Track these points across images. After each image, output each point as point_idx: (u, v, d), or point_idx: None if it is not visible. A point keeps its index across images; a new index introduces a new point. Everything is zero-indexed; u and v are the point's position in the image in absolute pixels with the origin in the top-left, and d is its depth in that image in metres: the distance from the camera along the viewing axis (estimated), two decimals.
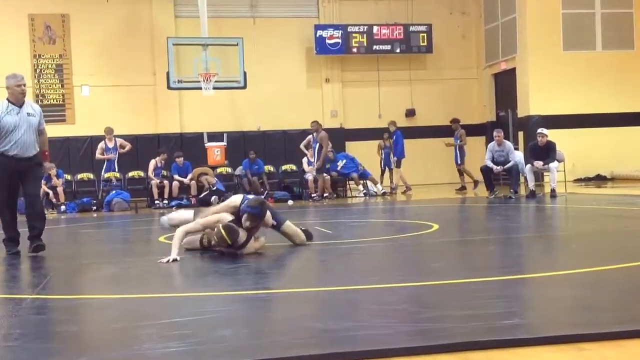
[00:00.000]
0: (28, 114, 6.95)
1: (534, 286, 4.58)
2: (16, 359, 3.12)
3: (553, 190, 12.86)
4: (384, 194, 16.23)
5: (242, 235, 6.11)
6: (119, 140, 15.95)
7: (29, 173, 6.97)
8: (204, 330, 3.48)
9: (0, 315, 4.21)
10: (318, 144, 15.43)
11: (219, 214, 6.35)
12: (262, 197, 6.50)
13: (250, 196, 6.61)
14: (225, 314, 3.93)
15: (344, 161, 16.39)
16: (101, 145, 15.82)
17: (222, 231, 5.98)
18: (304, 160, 16.60)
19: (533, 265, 5.70)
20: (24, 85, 6.95)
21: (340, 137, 18.80)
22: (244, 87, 17.11)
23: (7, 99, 6.99)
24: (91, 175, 16.14)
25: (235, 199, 6.50)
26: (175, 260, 5.84)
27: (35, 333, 3.78)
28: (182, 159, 15.96)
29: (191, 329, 3.49)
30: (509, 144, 13.85)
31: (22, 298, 4.67)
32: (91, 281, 5.68)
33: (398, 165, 16.56)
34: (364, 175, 16.49)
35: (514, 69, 18.84)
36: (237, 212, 6.30)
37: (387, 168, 17.20)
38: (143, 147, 17.79)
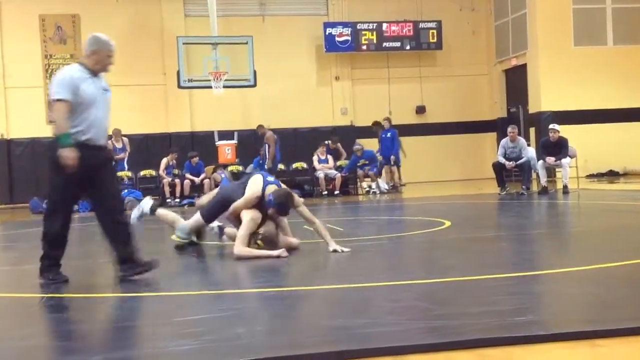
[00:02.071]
0: (104, 89, 5.26)
1: (547, 283, 4.57)
2: (33, 358, 3.14)
3: (565, 187, 12.81)
4: (393, 188, 16.28)
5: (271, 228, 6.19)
6: (125, 140, 16.02)
7: (106, 169, 5.26)
8: (217, 328, 3.49)
9: (16, 314, 4.24)
10: (267, 145, 15.61)
11: (247, 212, 6.15)
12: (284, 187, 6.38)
13: (270, 178, 6.43)
14: (239, 312, 3.94)
15: (366, 161, 16.37)
16: (109, 145, 15.84)
17: (260, 243, 6.08)
18: (315, 158, 16.64)
19: (546, 261, 5.68)
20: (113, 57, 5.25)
21: (351, 134, 18.79)
22: (254, 85, 17.13)
23: (81, 62, 5.20)
24: None
25: (256, 186, 6.27)
26: (282, 256, 5.81)
27: (51, 332, 3.82)
28: (197, 158, 16.00)
29: (205, 327, 3.50)
30: (522, 140, 13.79)
31: (37, 297, 4.70)
32: (106, 280, 5.70)
33: (399, 164, 16.69)
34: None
35: (524, 65, 18.76)
36: (259, 202, 6.20)
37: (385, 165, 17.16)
38: (154, 146, 17.87)
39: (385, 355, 2.91)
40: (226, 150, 16.95)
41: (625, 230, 7.16)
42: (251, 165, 16.51)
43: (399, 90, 19.93)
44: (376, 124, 17.33)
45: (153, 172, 16.44)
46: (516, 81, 19.62)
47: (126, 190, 15.07)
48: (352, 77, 19.99)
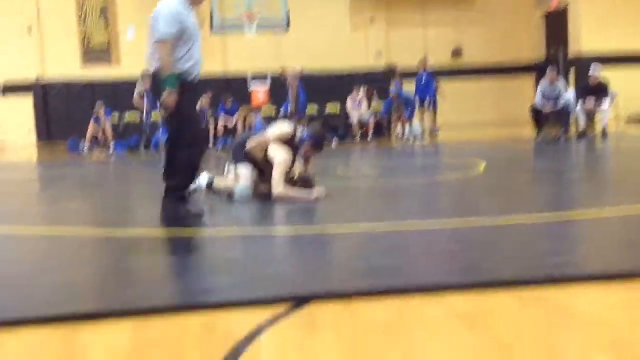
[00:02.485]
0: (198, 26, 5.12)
1: (584, 225, 4.53)
2: (70, 291, 3.23)
3: (604, 131, 12.57)
4: (428, 132, 16.16)
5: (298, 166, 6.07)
6: None
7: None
8: (253, 266, 3.55)
9: (53, 251, 4.35)
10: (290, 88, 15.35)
11: (278, 153, 5.94)
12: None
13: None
14: (275, 251, 4.00)
15: (403, 102, 16.19)
16: (139, 89, 15.73)
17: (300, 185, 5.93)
18: (348, 101, 16.52)
19: (582, 204, 5.62)
20: None
21: (385, 77, 18.56)
22: (287, 28, 16.95)
23: None
24: (138, 116, 16.26)
25: (288, 127, 6.20)
26: (319, 196, 5.75)
27: (89, 267, 3.92)
28: (231, 100, 15.99)
29: (241, 265, 3.56)
30: (561, 84, 13.50)
31: (76, 234, 4.81)
32: (142, 217, 5.81)
33: (435, 107, 16.42)
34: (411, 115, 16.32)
35: (565, 6, 18.23)
36: (290, 141, 6.05)
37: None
38: None
39: (420, 292, 2.93)
40: (259, 94, 16.93)
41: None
42: (282, 109, 16.48)
43: (436, 34, 19.53)
44: (391, 69, 16.96)
45: None
46: (557, 23, 19.09)
47: (161, 131, 15.18)
48: (387, 19, 19.63)
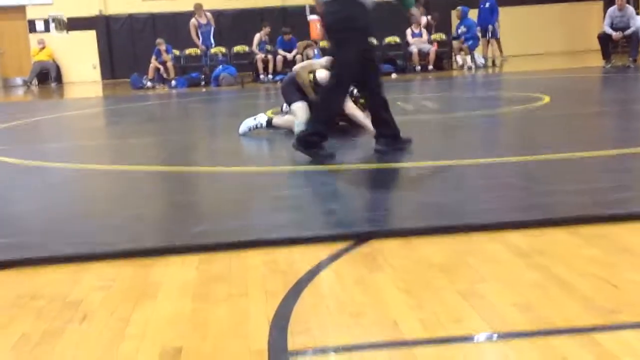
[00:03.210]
0: None
1: None
2: (139, 227, 3.37)
3: None
4: (491, 62, 15.77)
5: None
6: (209, 15, 15.86)
7: None
8: (313, 203, 3.61)
9: (121, 186, 4.51)
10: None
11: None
12: None
13: None
14: (335, 188, 4.05)
15: (465, 29, 15.80)
16: (193, 22, 15.71)
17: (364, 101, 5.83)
18: (408, 32, 16.19)
19: None
20: None
21: (447, 3, 18.05)
22: None
23: None
24: (198, 51, 16.38)
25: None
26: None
27: (157, 203, 4.06)
28: (290, 35, 15.88)
29: (301, 202, 3.63)
30: (630, 9, 12.92)
31: (143, 170, 4.96)
32: (205, 154, 5.94)
33: (497, 36, 15.94)
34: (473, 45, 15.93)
35: None
36: None
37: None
38: (246, 21, 17.84)
39: (480, 231, 2.95)
40: (318, 25, 16.72)
41: None
42: None
43: None
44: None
45: (246, 48, 16.51)
46: None
47: (221, 67, 15.29)
48: None
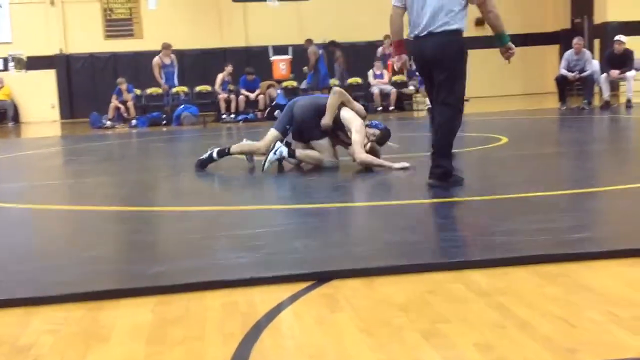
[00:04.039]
0: None
1: (606, 199, 4.48)
2: (93, 268, 3.28)
3: (629, 101, 12.39)
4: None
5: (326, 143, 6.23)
6: (173, 56, 15.77)
7: None
8: (275, 242, 3.57)
9: (77, 226, 4.41)
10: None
11: (357, 120, 6.16)
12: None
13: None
14: (297, 227, 4.02)
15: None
16: (157, 61, 15.62)
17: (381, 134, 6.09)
18: (370, 73, 16.41)
19: (605, 178, 5.56)
20: None
21: (408, 48, 18.36)
22: None
23: None
24: (160, 90, 16.31)
25: (362, 108, 6.43)
26: (406, 167, 5.85)
27: (113, 243, 3.96)
28: (253, 76, 15.93)
29: (263, 241, 3.58)
30: (587, 53, 13.28)
31: (99, 210, 4.86)
32: (165, 193, 5.86)
33: None
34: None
35: None
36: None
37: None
38: (209, 61, 17.87)
39: (442, 270, 2.93)
40: (281, 65, 16.86)
41: None
42: (305, 81, 16.41)
43: None
44: (332, 43, 16.64)
45: (209, 88, 16.52)
46: None
47: (182, 106, 15.25)
48: None
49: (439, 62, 4.88)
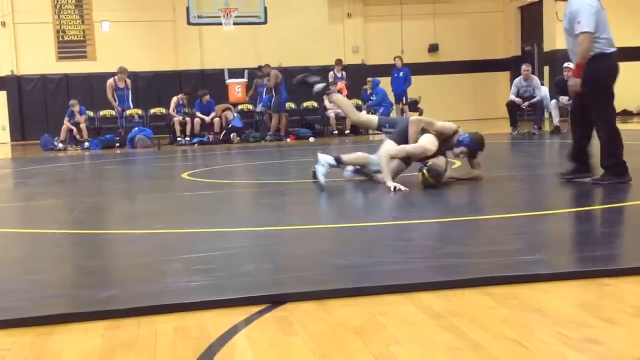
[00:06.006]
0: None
1: (556, 222, 4.57)
2: (42, 292, 3.20)
3: None
4: None
5: (442, 161, 6.24)
6: (128, 81, 15.62)
7: None
8: (227, 265, 3.53)
9: (26, 250, 4.30)
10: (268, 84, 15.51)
11: (426, 141, 6.21)
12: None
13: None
14: (249, 250, 3.98)
15: (374, 98, 16.21)
16: (110, 83, 15.44)
17: (427, 175, 6.02)
18: (325, 97, 16.48)
19: (555, 201, 5.67)
20: None
21: (362, 73, 18.60)
22: (265, 22, 16.91)
23: None
24: (113, 112, 16.13)
25: (452, 125, 6.45)
26: (398, 189, 5.84)
27: (62, 267, 3.88)
28: (207, 97, 15.87)
29: (215, 264, 3.54)
30: (536, 79, 13.62)
31: (48, 233, 4.76)
32: (117, 216, 5.77)
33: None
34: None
35: (540, 1, 18.36)
36: (445, 138, 6.31)
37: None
38: (164, 84, 17.78)
39: (395, 292, 2.94)
40: (236, 88, 16.85)
41: (637, 171, 7.11)
42: (260, 104, 16.41)
43: (412, 28, 19.60)
44: (262, 70, 16.69)
45: (163, 110, 16.39)
46: (531, 19, 19.25)
47: (136, 128, 15.10)
48: (364, 14, 19.67)
49: (600, 83, 5.85)
